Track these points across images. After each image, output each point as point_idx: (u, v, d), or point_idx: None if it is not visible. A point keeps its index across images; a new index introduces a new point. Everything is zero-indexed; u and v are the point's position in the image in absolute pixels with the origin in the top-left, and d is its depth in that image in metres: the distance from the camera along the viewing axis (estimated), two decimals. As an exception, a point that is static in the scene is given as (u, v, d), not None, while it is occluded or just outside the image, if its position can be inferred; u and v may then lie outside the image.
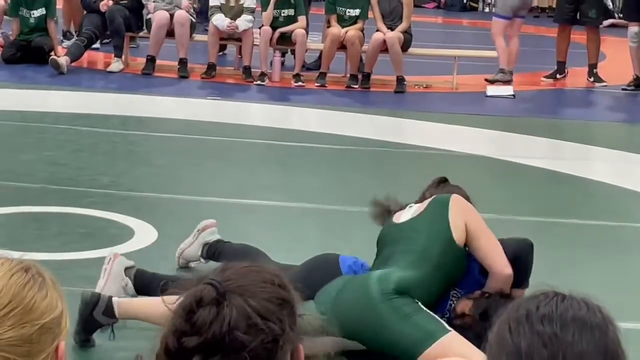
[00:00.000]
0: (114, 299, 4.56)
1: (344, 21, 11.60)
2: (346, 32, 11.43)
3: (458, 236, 4.69)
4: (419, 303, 4.50)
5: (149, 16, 11.87)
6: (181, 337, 1.64)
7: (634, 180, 7.97)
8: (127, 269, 4.99)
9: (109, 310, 4.50)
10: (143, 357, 1.73)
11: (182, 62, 11.68)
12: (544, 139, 9.54)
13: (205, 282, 1.68)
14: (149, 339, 1.70)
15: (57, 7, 12.22)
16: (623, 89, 12.04)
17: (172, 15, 11.61)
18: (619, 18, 18.07)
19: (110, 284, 4.90)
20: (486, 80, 11.91)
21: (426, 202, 4.90)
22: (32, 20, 11.81)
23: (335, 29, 11.49)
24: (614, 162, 8.85)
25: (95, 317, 4.49)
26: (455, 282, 4.75)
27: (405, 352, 4.41)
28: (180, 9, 11.66)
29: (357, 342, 4.50)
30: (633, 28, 11.93)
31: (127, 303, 4.57)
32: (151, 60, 11.71)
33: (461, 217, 4.72)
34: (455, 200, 4.78)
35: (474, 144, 9.16)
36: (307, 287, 4.55)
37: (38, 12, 11.79)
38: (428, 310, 4.50)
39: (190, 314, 1.65)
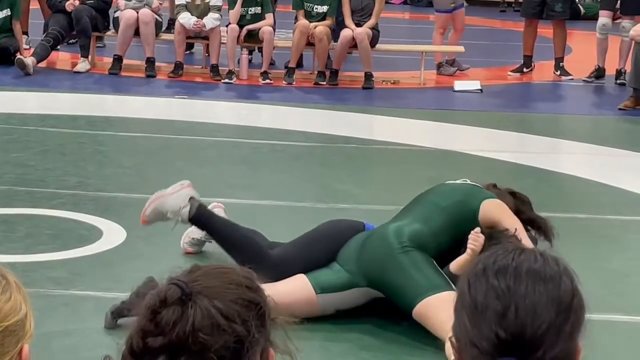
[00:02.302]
0: None
1: (311, 17, 11.60)
2: (315, 27, 11.43)
3: (482, 213, 4.96)
4: (432, 260, 4.82)
5: (116, 14, 11.80)
6: (146, 337, 1.64)
7: (601, 172, 8.02)
8: (191, 198, 5.29)
9: None
10: (111, 357, 1.72)
11: (150, 61, 11.64)
12: (511, 133, 9.58)
13: (171, 282, 1.67)
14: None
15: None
16: (584, 81, 12.13)
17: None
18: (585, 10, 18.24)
19: (173, 198, 5.29)
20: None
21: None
22: (-3, 21, 11.73)
23: (304, 21, 11.50)
24: (582, 154, 8.90)
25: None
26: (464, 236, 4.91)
27: (408, 299, 4.72)
28: (151, 7, 11.63)
29: (379, 291, 4.88)
30: (602, 19, 12.00)
31: None
32: (118, 59, 11.66)
33: (491, 208, 5.00)
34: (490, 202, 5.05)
35: (442, 138, 9.18)
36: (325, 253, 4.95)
37: (3, 13, 11.71)
38: (439, 268, 4.79)
39: (154, 313, 1.64)
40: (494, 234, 4.80)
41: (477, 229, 4.79)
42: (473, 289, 1.70)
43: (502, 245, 1.79)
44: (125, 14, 11.53)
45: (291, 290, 4.82)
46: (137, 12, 11.55)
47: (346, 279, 4.90)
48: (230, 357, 1.63)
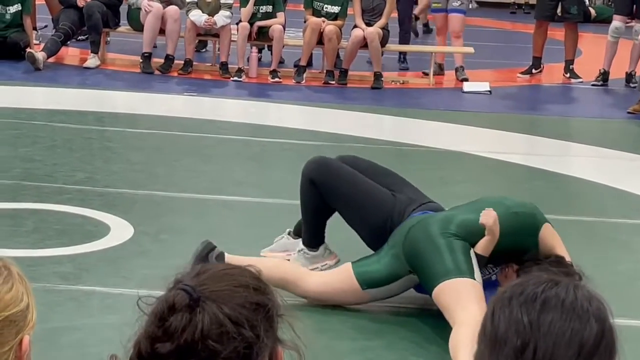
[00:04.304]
0: (226, 253, 5.10)
1: (320, 17, 11.58)
2: (325, 25, 11.41)
3: (543, 233, 4.90)
4: (471, 250, 4.76)
5: (134, 4, 11.74)
6: (154, 343, 1.64)
7: (609, 175, 8.00)
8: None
9: (221, 258, 5.03)
10: (118, 357, 1.72)
11: (169, 59, 11.61)
12: (520, 135, 9.56)
13: (179, 287, 1.67)
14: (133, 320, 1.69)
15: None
16: (593, 85, 12.11)
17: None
18: (595, 13, 18.21)
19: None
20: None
21: None
22: (7, 17, 11.73)
23: (315, 18, 11.49)
24: (590, 157, 8.88)
25: (209, 259, 5.01)
26: (519, 249, 4.82)
27: (433, 279, 4.70)
28: (173, 4, 11.63)
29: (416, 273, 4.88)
30: (615, 23, 11.98)
31: (236, 259, 4.96)
32: (149, 57, 11.56)
33: (552, 231, 4.97)
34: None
35: (451, 139, 9.17)
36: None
37: (14, 8, 11.73)
38: (473, 258, 4.73)
39: (162, 320, 1.64)
40: (543, 256, 4.78)
41: (489, 208, 4.82)
42: (496, 318, 1.63)
43: (537, 273, 1.70)
44: (153, 7, 11.47)
45: (338, 287, 4.99)
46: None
47: (390, 271, 4.93)
48: None
